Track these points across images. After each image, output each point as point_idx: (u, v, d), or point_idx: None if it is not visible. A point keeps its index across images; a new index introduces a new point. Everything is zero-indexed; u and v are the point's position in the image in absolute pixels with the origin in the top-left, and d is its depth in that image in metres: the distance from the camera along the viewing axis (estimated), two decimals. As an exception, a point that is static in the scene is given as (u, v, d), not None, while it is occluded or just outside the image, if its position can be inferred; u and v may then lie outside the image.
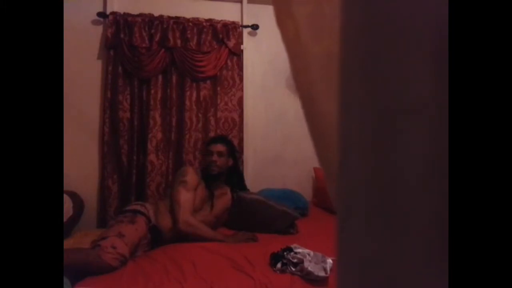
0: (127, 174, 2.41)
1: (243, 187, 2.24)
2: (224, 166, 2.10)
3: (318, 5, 0.39)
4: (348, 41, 0.27)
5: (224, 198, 2.08)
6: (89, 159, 2.44)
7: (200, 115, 2.54)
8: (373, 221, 0.25)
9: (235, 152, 2.23)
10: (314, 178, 2.79)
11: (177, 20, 2.46)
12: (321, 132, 0.39)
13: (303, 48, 0.40)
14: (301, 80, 0.42)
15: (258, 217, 2.00)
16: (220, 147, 2.09)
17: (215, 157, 2.06)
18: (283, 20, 0.42)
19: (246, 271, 1.43)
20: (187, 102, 2.49)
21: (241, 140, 2.61)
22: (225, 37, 2.53)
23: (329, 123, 0.36)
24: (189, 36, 2.46)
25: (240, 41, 2.61)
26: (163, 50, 2.43)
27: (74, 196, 2.18)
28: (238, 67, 2.62)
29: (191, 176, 1.96)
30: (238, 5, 2.68)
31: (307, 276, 1.39)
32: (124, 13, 2.40)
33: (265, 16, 2.63)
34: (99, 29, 2.47)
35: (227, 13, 2.63)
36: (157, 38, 2.42)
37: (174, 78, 2.47)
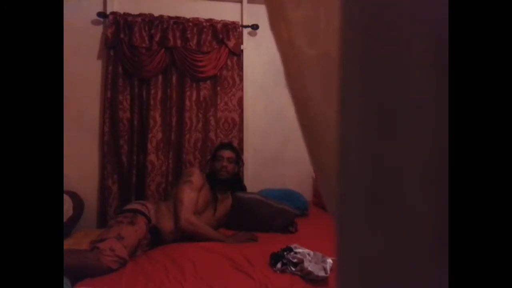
0: (127, 174, 2.41)
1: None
2: (232, 172, 2.16)
3: (313, 8, 0.39)
4: (348, 41, 0.27)
5: (226, 203, 2.12)
6: (89, 159, 2.44)
7: (200, 115, 2.54)
8: (373, 221, 0.25)
9: (240, 160, 2.28)
10: (314, 178, 2.79)
11: (177, 20, 2.46)
12: (315, 134, 0.39)
13: (296, 51, 0.40)
14: (294, 84, 0.43)
15: (258, 216, 2.00)
16: (229, 153, 2.16)
17: (225, 163, 2.12)
18: (277, 24, 0.42)
19: (246, 271, 1.43)
20: (187, 102, 2.49)
21: (241, 140, 2.61)
22: (225, 37, 2.53)
23: (323, 125, 0.36)
24: (189, 36, 2.46)
25: (240, 41, 2.61)
26: (163, 50, 2.43)
27: (74, 196, 2.18)
28: (238, 67, 2.61)
29: (197, 177, 2.01)
30: (238, 5, 2.68)
31: (307, 276, 1.39)
32: (124, 13, 2.40)
33: (265, 16, 2.57)
34: (99, 29, 2.47)
35: (227, 13, 2.63)
36: (157, 38, 2.42)
37: (174, 78, 2.47)
